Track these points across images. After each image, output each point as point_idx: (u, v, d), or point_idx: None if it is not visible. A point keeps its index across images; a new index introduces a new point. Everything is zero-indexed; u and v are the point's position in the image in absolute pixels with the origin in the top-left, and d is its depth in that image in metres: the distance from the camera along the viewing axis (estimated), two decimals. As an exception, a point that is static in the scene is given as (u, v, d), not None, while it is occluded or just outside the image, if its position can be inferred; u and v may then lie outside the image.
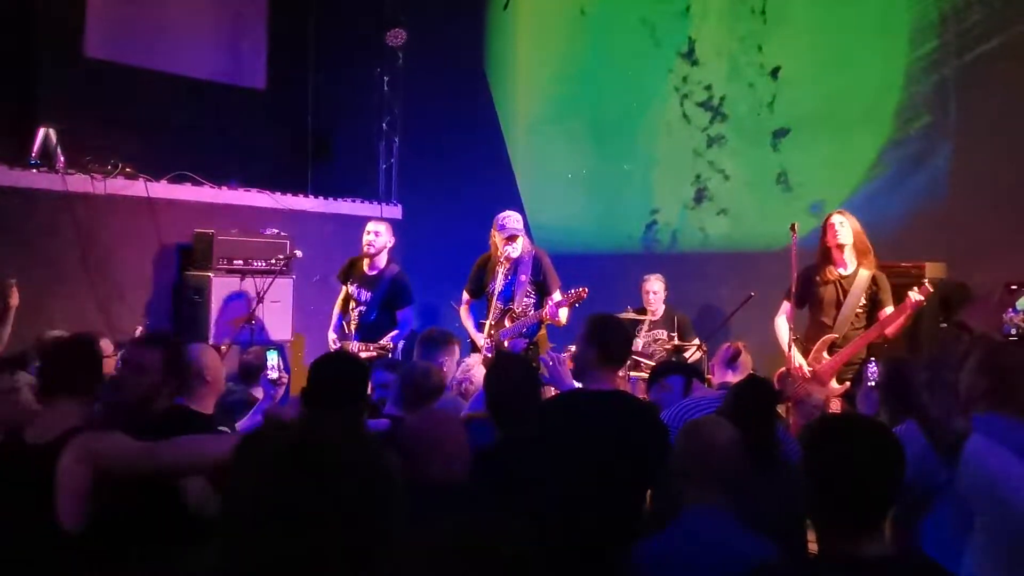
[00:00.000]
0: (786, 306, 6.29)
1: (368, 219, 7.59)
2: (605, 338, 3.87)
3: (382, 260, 7.10)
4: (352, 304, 7.15)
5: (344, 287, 7.29)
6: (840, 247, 6.15)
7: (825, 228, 6.23)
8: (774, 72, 8.16)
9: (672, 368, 5.02)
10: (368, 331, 6.95)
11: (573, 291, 6.35)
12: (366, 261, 7.12)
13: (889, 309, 6.02)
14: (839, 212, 6.32)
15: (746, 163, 8.32)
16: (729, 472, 2.91)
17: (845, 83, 7.78)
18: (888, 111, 7.55)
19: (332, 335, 7.19)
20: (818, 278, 6.22)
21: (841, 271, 6.18)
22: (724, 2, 8.49)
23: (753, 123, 8.27)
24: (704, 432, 3.00)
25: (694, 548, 2.78)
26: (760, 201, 8.19)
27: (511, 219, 6.60)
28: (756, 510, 3.13)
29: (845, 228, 6.14)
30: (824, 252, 6.23)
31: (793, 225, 6.14)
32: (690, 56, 8.70)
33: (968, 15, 7.19)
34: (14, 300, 6.05)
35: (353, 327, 7.05)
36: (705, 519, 2.84)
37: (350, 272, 7.26)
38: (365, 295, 7.07)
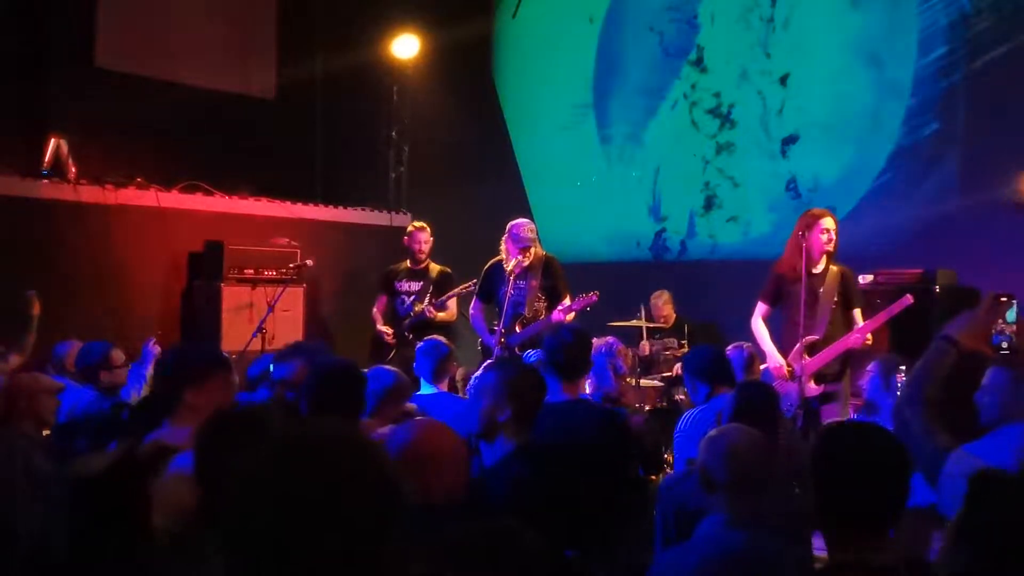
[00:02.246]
0: (761, 307, 6.20)
1: (376, 227, 7.78)
2: (553, 352, 3.99)
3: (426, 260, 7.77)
4: (400, 299, 7.66)
5: (383, 296, 7.75)
6: (824, 253, 5.95)
7: (813, 228, 5.90)
8: (783, 79, 8.17)
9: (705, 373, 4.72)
10: (420, 316, 7.46)
11: (582, 296, 6.34)
12: (409, 261, 7.73)
13: (858, 311, 5.90)
14: (831, 216, 6.06)
15: (755, 170, 8.32)
16: (755, 479, 2.90)
17: (854, 90, 7.78)
18: (897, 118, 7.55)
19: (384, 328, 7.64)
20: (789, 276, 6.06)
21: (812, 269, 6.02)
22: (732, 9, 8.51)
23: (762, 130, 8.28)
24: (728, 440, 2.98)
25: (724, 557, 2.77)
26: (769, 208, 8.20)
27: (524, 228, 6.55)
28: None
29: (834, 235, 6.00)
30: (801, 250, 5.88)
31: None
32: (699, 63, 8.71)
33: (977, 22, 7.19)
34: (36, 309, 6.18)
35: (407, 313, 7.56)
36: (731, 528, 2.83)
37: (392, 277, 7.74)
38: (415, 286, 7.65)
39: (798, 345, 5.76)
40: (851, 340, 5.70)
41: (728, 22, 8.54)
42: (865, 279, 6.65)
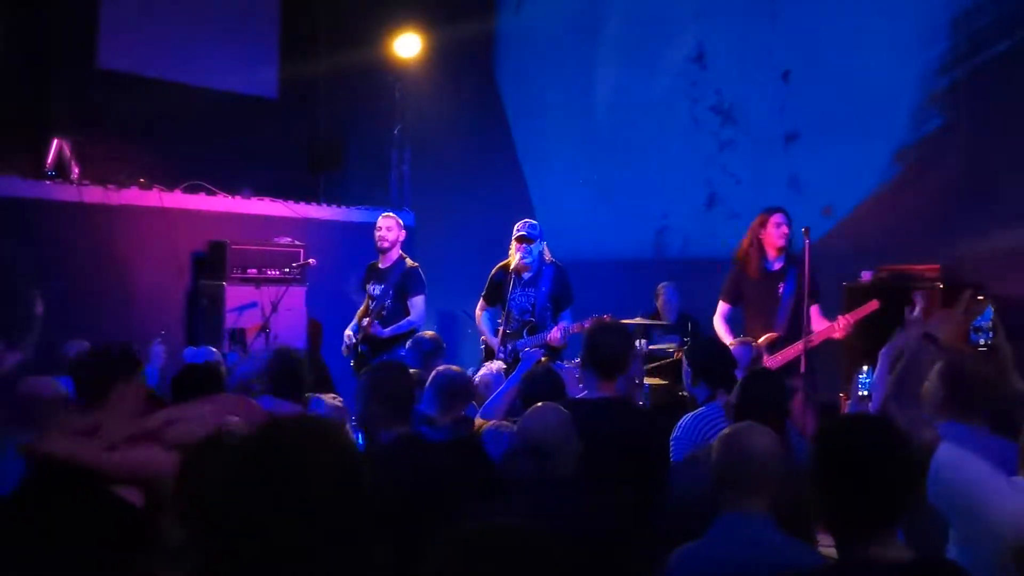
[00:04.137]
0: (723, 306, 6.35)
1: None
2: (594, 348, 4.02)
3: (394, 255, 7.18)
4: (369, 301, 7.19)
5: (367, 296, 7.34)
6: (779, 249, 6.16)
7: (765, 226, 6.22)
8: (784, 75, 8.16)
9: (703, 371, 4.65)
10: (384, 321, 7.03)
11: (585, 322, 6.30)
12: (380, 257, 7.21)
13: (816, 308, 6.05)
14: (781, 212, 6.27)
15: (757, 167, 8.31)
16: (768, 478, 2.91)
17: (856, 86, 7.76)
18: (899, 114, 7.54)
19: (348, 332, 7.22)
20: (749, 274, 6.23)
21: (770, 267, 6.20)
22: (733, 6, 8.50)
23: (764, 127, 8.27)
24: (742, 439, 2.98)
25: (737, 555, 2.78)
26: (771, 205, 8.17)
27: (526, 225, 6.63)
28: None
29: (787, 229, 6.16)
30: (759, 248, 6.21)
31: (805, 229, 6.13)
32: (700, 60, 8.70)
33: (979, 17, 7.18)
34: (39, 309, 6.21)
35: (370, 319, 7.05)
36: (746, 526, 2.84)
37: (367, 277, 7.31)
38: (379, 288, 7.12)
39: (760, 341, 5.89)
40: (811, 341, 5.79)
41: (729, 18, 8.53)
42: (867, 276, 6.67)
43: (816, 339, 5.86)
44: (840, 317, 5.89)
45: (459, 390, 4.50)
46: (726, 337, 6.16)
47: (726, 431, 3.10)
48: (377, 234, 7.16)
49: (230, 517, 1.44)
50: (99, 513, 2.76)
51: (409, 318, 6.99)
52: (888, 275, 6.62)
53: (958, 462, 2.56)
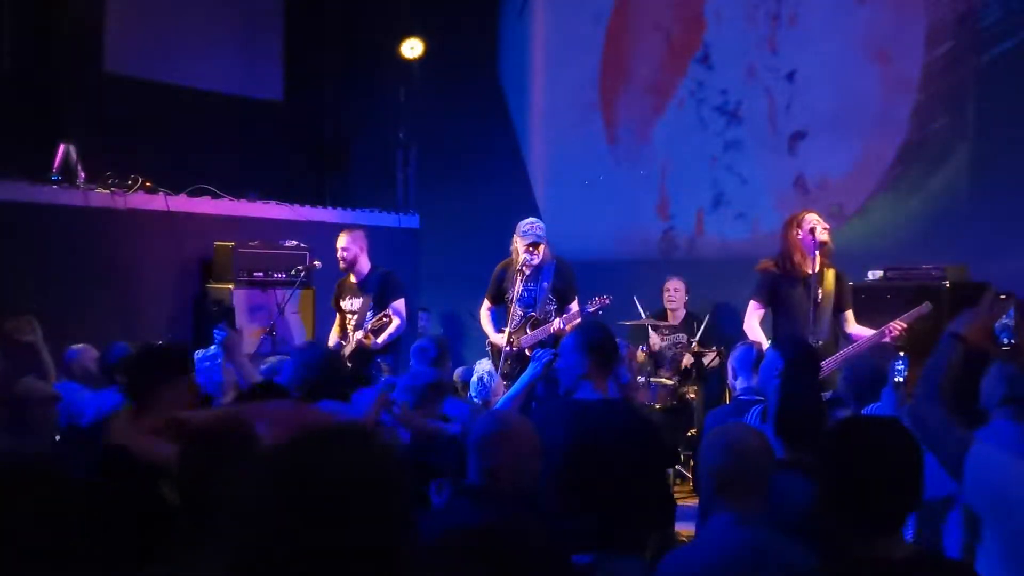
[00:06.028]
0: (757, 309, 6.24)
1: (385, 229, 7.67)
2: (598, 346, 3.90)
3: (364, 267, 7.10)
4: (348, 319, 7.07)
5: (339, 313, 7.26)
6: (824, 247, 6.02)
7: (805, 225, 6.05)
8: (790, 75, 8.15)
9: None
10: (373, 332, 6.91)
11: (597, 299, 6.33)
12: (351, 275, 7.11)
13: (850, 312, 6.01)
14: (816, 212, 6.19)
15: (763, 167, 8.30)
16: (759, 479, 2.89)
17: (862, 85, 7.76)
18: (905, 112, 7.53)
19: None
20: (787, 277, 6.14)
21: (808, 270, 6.11)
22: (738, 6, 8.49)
23: (769, 127, 8.26)
24: (734, 439, 2.97)
25: (731, 556, 2.77)
26: (777, 205, 8.17)
27: (534, 226, 6.57)
28: (786, 509, 3.12)
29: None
30: (799, 251, 6.05)
31: (812, 228, 6.12)
32: (705, 61, 8.70)
33: (984, 15, 7.16)
34: (32, 337, 5.57)
35: (364, 332, 6.92)
36: (740, 526, 2.83)
37: (340, 293, 7.21)
38: (356, 302, 7.01)
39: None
40: (864, 345, 5.73)
41: (734, 19, 8.52)
42: (875, 275, 6.65)
43: (866, 344, 5.75)
44: (892, 323, 5.71)
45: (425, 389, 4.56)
46: (763, 341, 6.05)
47: (716, 431, 3.10)
48: (337, 256, 7.07)
49: (263, 524, 1.44)
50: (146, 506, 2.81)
51: (395, 323, 6.88)
52: (895, 274, 6.59)
53: (992, 462, 2.56)
